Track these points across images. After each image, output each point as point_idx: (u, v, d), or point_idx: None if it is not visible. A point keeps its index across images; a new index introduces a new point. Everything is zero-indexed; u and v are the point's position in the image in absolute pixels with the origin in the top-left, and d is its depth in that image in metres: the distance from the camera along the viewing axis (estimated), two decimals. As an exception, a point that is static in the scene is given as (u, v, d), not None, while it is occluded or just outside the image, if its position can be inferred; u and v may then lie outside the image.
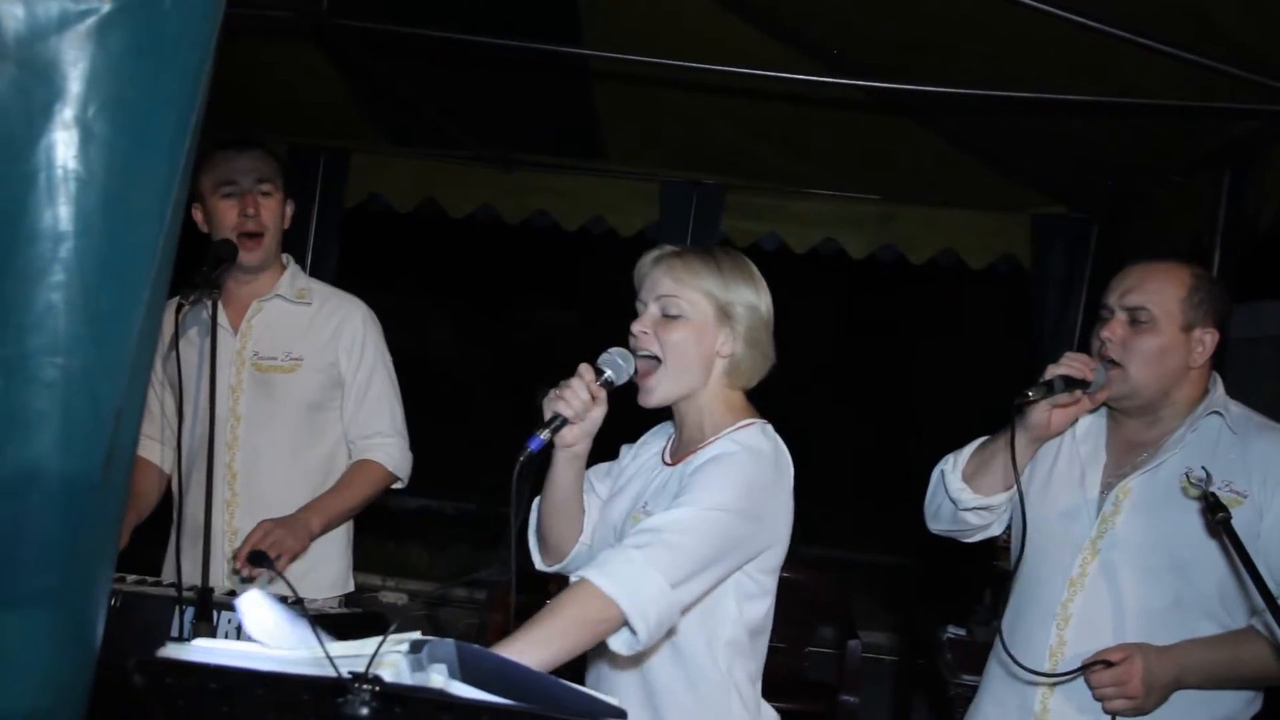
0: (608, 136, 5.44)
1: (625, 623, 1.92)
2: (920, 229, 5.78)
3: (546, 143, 5.69)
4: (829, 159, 5.49)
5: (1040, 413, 2.38)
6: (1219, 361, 4.06)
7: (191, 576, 2.45)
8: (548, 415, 2.12)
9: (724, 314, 2.23)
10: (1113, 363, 2.41)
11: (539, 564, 2.36)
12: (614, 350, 2.23)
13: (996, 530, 2.60)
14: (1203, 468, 2.15)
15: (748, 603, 2.19)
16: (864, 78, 4.37)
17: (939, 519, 2.61)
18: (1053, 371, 2.35)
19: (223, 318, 2.93)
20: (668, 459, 2.33)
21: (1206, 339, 2.43)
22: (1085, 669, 2.32)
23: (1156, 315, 2.39)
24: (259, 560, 2.08)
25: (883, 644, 5.18)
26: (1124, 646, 2.31)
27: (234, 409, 2.93)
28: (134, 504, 2.92)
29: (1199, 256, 4.28)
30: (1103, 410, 2.55)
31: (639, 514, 2.21)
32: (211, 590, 2.26)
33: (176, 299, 2.67)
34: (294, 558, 2.77)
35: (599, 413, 2.18)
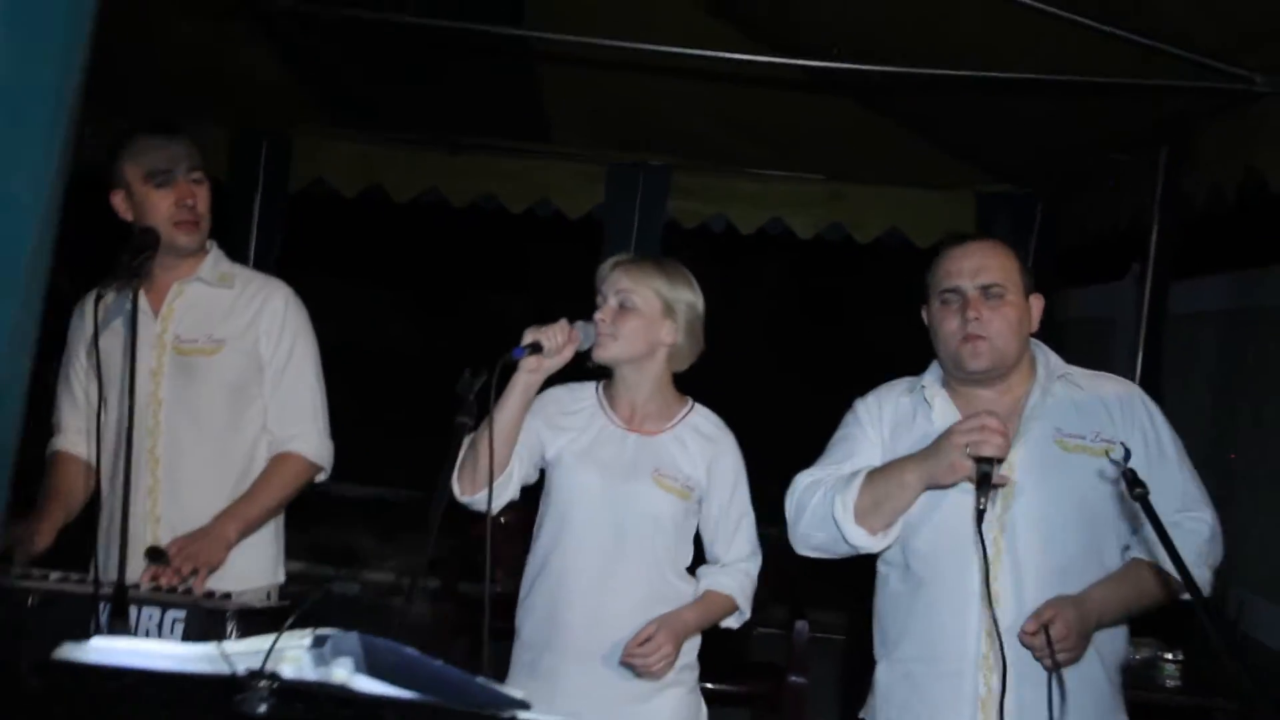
0: (552, 118, 5.41)
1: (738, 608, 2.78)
2: (866, 208, 5.79)
3: (491, 125, 5.64)
4: (775, 139, 5.48)
5: (960, 472, 2.36)
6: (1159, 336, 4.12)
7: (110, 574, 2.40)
8: (527, 340, 2.51)
9: (669, 309, 2.75)
10: (977, 338, 2.48)
11: (460, 494, 2.60)
12: (584, 321, 2.67)
13: None
14: (1121, 444, 2.16)
15: None
16: (806, 57, 4.36)
17: (819, 549, 2.58)
18: (978, 464, 2.30)
19: (144, 302, 2.89)
20: (623, 423, 2.77)
21: (1036, 305, 2.58)
22: (1035, 636, 2.36)
23: (1008, 287, 2.51)
24: (156, 557, 2.03)
25: (832, 622, 5.20)
26: (1049, 604, 2.37)
27: (155, 394, 2.86)
28: (60, 502, 2.85)
29: (1140, 234, 4.32)
30: (945, 392, 2.61)
31: (662, 479, 2.72)
32: (127, 587, 2.21)
33: (95, 290, 2.62)
34: (212, 570, 2.68)
35: (562, 359, 2.59)
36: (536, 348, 2.51)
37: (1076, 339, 5.74)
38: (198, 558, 2.64)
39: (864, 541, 2.47)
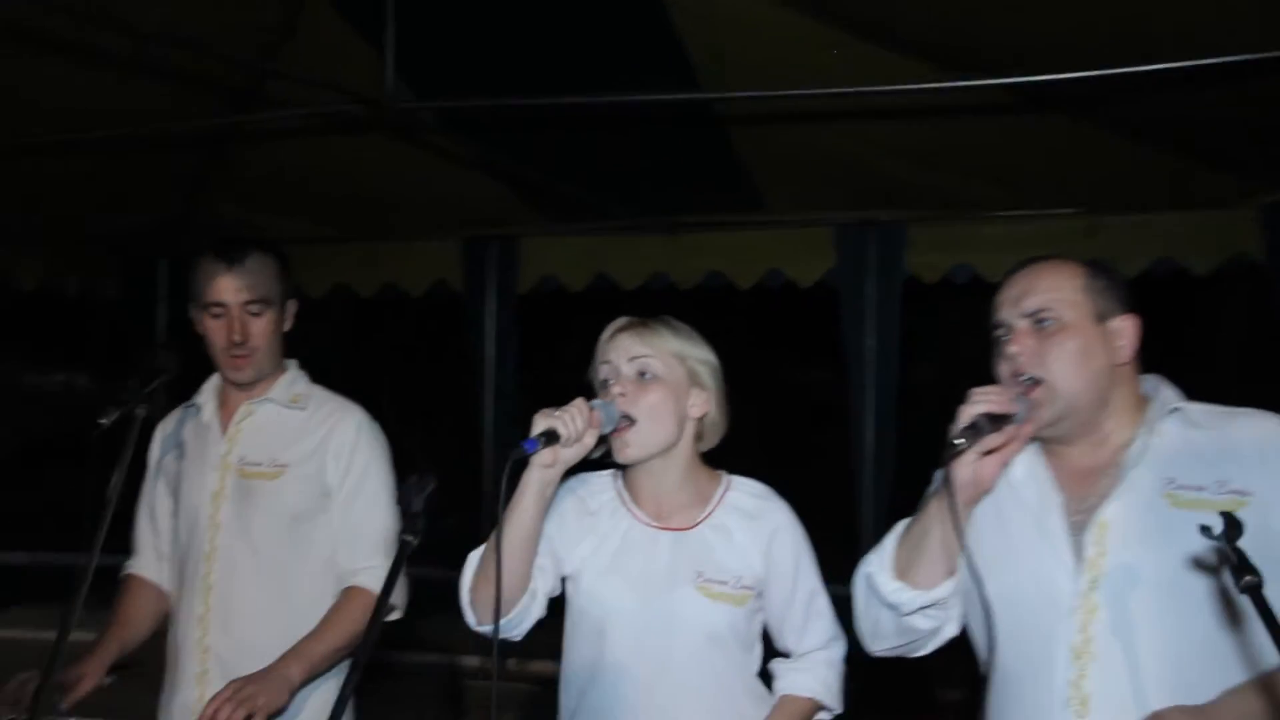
0: (760, 184, 5.11)
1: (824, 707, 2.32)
2: (1131, 239, 5.08)
3: (706, 201, 5.41)
4: (1013, 176, 4.93)
5: (966, 468, 1.92)
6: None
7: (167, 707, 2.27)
8: (539, 428, 2.08)
9: (693, 376, 2.34)
10: (1033, 381, 1.97)
11: (473, 624, 2.21)
12: (603, 400, 2.24)
13: (953, 631, 2.11)
14: (1222, 513, 1.60)
15: None
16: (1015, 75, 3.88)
17: (880, 636, 2.11)
18: (969, 412, 1.89)
19: (214, 419, 2.83)
20: (651, 520, 2.34)
21: (1126, 327, 2.03)
22: None
23: (1062, 311, 2.00)
24: None
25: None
26: (1158, 715, 1.82)
27: (214, 517, 2.73)
28: (118, 632, 2.74)
29: None
30: (1034, 447, 2.08)
31: (709, 586, 2.25)
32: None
33: (126, 410, 2.47)
34: (273, 716, 2.47)
35: (582, 449, 2.15)
36: (552, 437, 2.07)
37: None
38: (255, 700, 2.42)
39: (903, 594, 2.01)
